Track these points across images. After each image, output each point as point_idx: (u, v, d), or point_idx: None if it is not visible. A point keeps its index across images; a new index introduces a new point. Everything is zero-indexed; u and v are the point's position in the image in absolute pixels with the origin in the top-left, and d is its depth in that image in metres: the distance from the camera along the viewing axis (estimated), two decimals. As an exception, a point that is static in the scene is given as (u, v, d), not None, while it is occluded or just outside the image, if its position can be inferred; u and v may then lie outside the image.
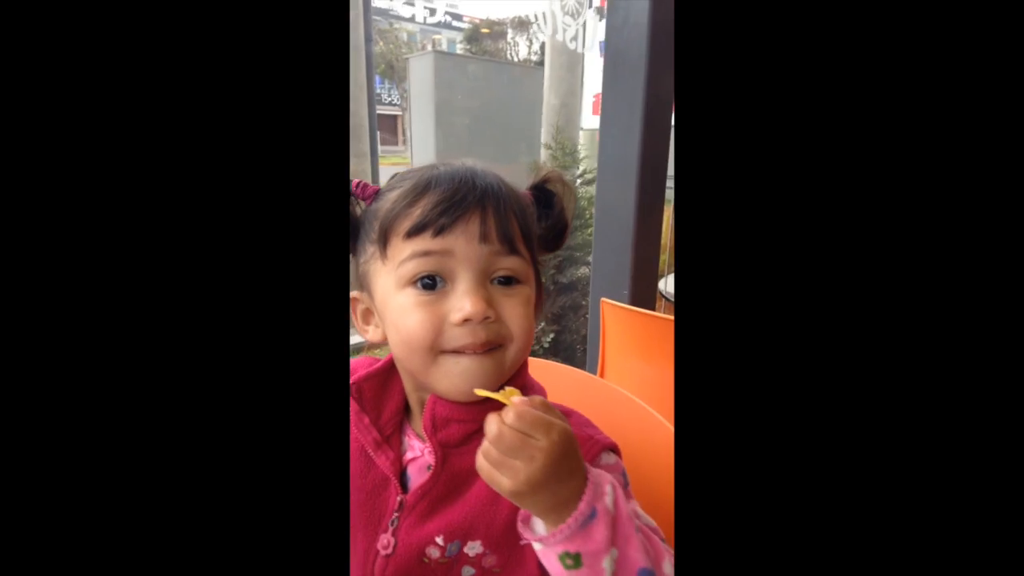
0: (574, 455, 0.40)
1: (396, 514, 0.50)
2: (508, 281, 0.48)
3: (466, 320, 0.45)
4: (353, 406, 0.52)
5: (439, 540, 0.49)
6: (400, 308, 0.47)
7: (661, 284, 1.85)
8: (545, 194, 0.54)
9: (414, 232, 0.46)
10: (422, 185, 0.47)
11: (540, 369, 0.77)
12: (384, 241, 0.48)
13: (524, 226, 0.49)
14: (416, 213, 0.46)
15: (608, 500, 0.41)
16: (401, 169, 0.56)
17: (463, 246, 0.46)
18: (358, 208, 0.52)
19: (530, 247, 0.50)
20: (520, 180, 0.55)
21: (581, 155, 3.08)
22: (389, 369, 0.54)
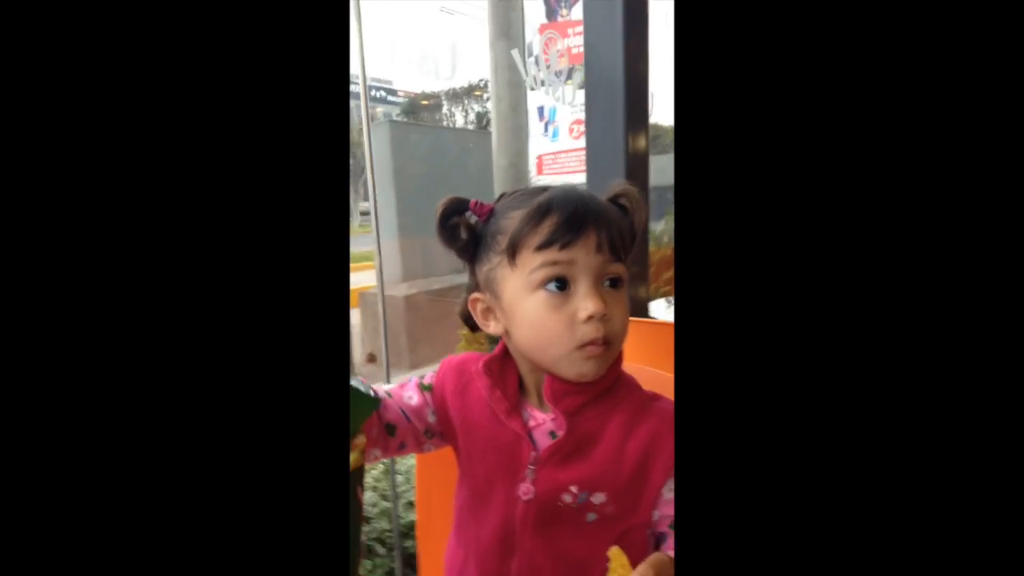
0: None
1: (531, 467, 0.62)
2: (615, 284, 0.60)
3: (591, 317, 0.57)
4: (487, 380, 0.66)
5: (573, 489, 0.61)
6: (534, 310, 0.59)
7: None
8: (619, 208, 0.65)
9: (544, 246, 0.58)
10: (544, 207, 0.59)
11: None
12: (513, 253, 0.59)
13: (622, 237, 0.61)
14: (544, 231, 0.58)
15: None
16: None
17: (583, 256, 0.58)
18: (471, 220, 0.64)
19: (627, 254, 0.62)
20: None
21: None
22: (504, 355, 0.67)
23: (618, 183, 0.65)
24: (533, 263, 0.58)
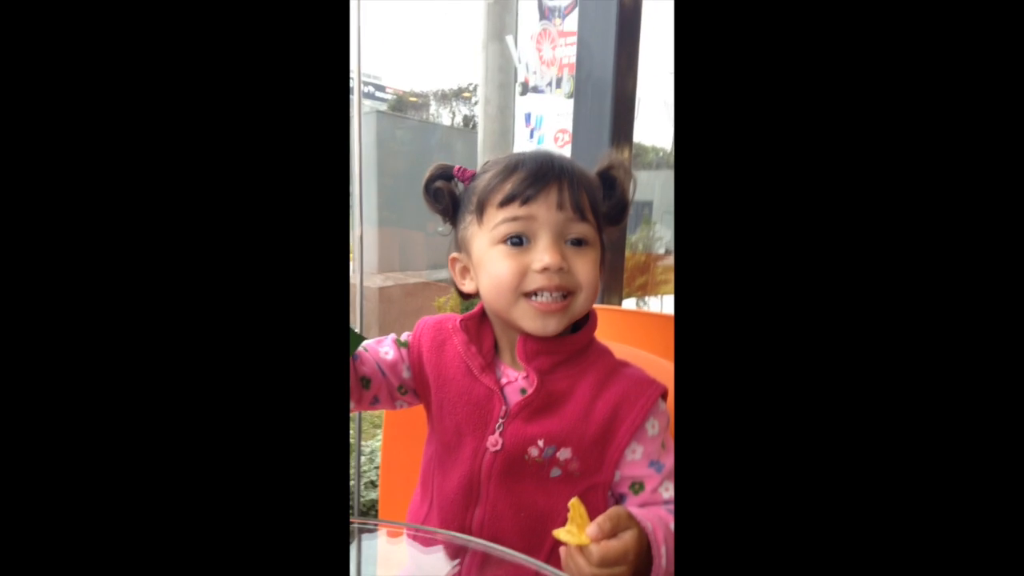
0: (645, 549, 0.53)
1: (501, 420, 0.63)
2: (578, 243, 0.62)
3: (545, 268, 0.59)
4: (462, 336, 0.67)
5: (540, 443, 0.62)
6: (492, 259, 0.61)
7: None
8: (609, 179, 0.67)
9: (506, 202, 0.60)
10: (512, 166, 0.62)
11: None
12: (481, 210, 0.62)
13: (592, 199, 0.62)
14: (507, 187, 0.61)
15: (664, 548, 0.53)
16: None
17: (544, 213, 0.60)
18: (457, 188, 0.68)
19: (597, 217, 0.63)
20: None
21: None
22: (482, 315, 0.69)
23: (608, 154, 0.68)
24: (496, 219, 0.60)
